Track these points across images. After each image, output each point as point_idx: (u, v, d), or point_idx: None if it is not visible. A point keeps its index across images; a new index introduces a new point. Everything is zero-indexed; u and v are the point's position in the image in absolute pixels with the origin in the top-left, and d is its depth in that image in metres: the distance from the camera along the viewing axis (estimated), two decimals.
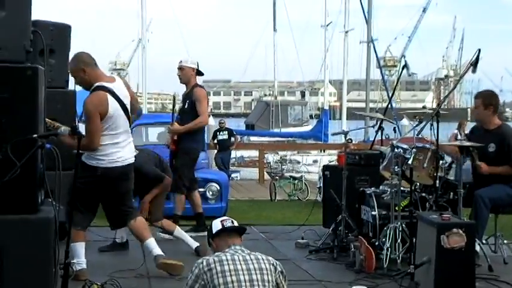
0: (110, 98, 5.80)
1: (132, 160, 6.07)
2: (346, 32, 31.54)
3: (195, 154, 8.37)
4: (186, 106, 8.24)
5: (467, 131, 8.44)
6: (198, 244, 7.05)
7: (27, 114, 4.65)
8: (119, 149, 5.93)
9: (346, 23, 31.63)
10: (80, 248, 6.00)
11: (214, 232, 4.30)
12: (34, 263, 4.59)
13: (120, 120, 5.90)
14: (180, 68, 8.28)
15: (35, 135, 4.56)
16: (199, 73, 8.41)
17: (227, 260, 4.05)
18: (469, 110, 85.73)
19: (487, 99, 7.20)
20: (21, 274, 4.57)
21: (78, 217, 5.88)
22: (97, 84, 5.85)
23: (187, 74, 8.26)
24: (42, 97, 4.86)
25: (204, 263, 4.03)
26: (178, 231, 7.21)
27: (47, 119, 5.74)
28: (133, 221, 6.17)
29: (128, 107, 6.02)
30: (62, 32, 7.40)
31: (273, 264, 4.13)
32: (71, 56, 7.62)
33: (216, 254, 4.14)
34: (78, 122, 6.06)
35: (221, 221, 4.35)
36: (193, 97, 8.14)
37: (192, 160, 8.34)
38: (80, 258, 5.99)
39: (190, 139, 8.20)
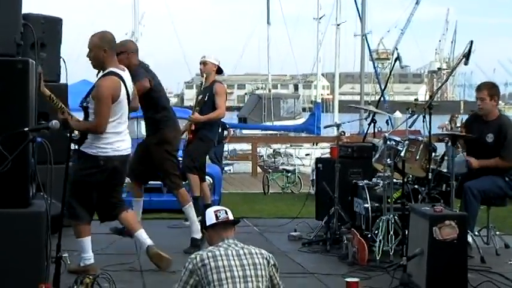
0: (122, 86, 5.80)
1: (129, 152, 6.06)
2: (338, 25, 31.49)
3: (210, 144, 8.40)
4: (206, 99, 8.24)
5: (458, 124, 8.45)
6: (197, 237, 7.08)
7: (18, 107, 4.65)
8: (121, 138, 5.91)
9: (338, 16, 31.60)
10: (87, 242, 5.96)
11: (207, 224, 4.29)
12: (26, 256, 4.58)
13: (125, 109, 5.90)
14: (204, 63, 8.26)
15: (26, 129, 4.54)
16: (220, 71, 8.46)
17: (221, 255, 4.05)
18: (461, 102, 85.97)
19: (492, 90, 7.18)
20: (12, 268, 4.56)
21: (82, 211, 5.89)
22: (111, 69, 5.83)
23: (210, 69, 8.24)
24: (34, 90, 4.85)
25: (198, 259, 4.02)
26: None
27: (53, 96, 5.75)
28: (124, 213, 6.15)
29: (131, 98, 6.02)
30: (53, 25, 7.38)
31: (266, 258, 4.13)
32: (63, 48, 7.65)
33: (209, 248, 4.14)
34: (80, 105, 5.99)
35: (215, 212, 4.33)
36: (213, 90, 8.15)
37: (206, 147, 8.35)
38: (88, 253, 5.95)
39: (208, 129, 8.22)
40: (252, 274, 4.01)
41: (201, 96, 8.19)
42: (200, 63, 8.30)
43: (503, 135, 7.01)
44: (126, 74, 5.95)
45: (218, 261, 4.01)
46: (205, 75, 8.27)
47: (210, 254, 4.04)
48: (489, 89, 7.19)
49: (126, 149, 6.00)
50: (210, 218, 4.33)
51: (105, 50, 5.83)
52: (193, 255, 4.07)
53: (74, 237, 5.99)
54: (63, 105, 5.85)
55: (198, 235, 7.09)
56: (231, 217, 4.32)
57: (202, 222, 4.41)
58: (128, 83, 5.95)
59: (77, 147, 5.87)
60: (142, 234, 6.20)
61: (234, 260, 4.04)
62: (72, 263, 5.58)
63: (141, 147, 7.39)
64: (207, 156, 9.22)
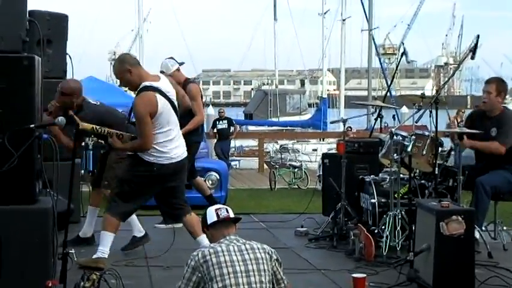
0: (159, 97, 5.75)
1: (185, 155, 6.06)
2: (344, 20, 31.40)
3: (196, 146, 8.37)
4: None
5: (463, 119, 8.42)
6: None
7: (24, 104, 4.65)
8: (174, 145, 5.91)
9: (343, 11, 31.51)
10: (109, 238, 5.98)
11: (209, 223, 4.28)
12: (32, 253, 4.59)
13: (170, 116, 5.87)
14: (170, 76, 8.12)
15: (32, 125, 4.55)
16: (180, 64, 8.31)
17: (222, 251, 4.05)
18: (468, 97, 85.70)
19: (501, 86, 7.13)
20: (19, 264, 4.57)
21: (120, 207, 5.92)
22: (144, 84, 5.78)
23: (177, 77, 8.01)
24: (39, 87, 4.85)
25: (200, 255, 4.02)
26: None
27: (94, 126, 5.75)
28: (187, 215, 6.15)
29: (175, 103, 5.98)
30: (59, 21, 7.39)
31: (268, 253, 4.12)
32: (69, 44, 7.65)
33: (211, 245, 4.13)
34: (129, 122, 6.04)
35: (216, 210, 4.33)
36: (188, 94, 8.03)
37: (194, 151, 8.30)
38: (106, 248, 5.97)
39: (190, 133, 8.16)
40: (255, 268, 4.01)
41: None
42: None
43: (504, 123, 6.96)
44: (161, 82, 5.88)
45: (220, 257, 4.01)
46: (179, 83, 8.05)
47: (211, 250, 4.04)
48: (498, 84, 7.14)
49: (182, 154, 6.00)
50: (211, 216, 4.32)
51: (129, 71, 5.80)
52: (195, 252, 4.07)
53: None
54: (109, 130, 5.86)
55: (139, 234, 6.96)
56: (231, 215, 4.32)
57: (204, 221, 4.40)
58: (166, 89, 5.87)
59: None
60: (203, 241, 5.92)
61: (235, 255, 4.04)
62: (79, 259, 5.59)
63: (105, 156, 7.13)
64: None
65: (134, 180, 5.84)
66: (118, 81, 6.08)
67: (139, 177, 5.87)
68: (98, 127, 5.83)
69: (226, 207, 4.38)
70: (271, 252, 4.15)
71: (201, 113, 8.23)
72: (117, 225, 6.00)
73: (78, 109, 6.55)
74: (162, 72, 7.92)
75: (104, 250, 5.97)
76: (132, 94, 7.06)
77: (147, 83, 5.78)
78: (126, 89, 6.09)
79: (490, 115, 7.14)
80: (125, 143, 5.85)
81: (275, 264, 4.13)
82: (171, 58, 8.25)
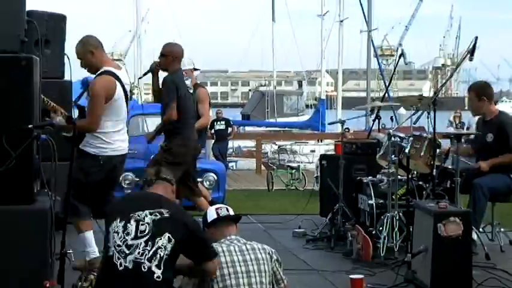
0: (118, 84, 5.77)
1: (127, 150, 6.06)
2: (341, 21, 31.39)
3: (198, 150, 8.38)
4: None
5: (463, 121, 8.44)
6: None
7: (22, 104, 4.64)
8: (119, 137, 5.89)
9: (341, 13, 31.49)
10: (89, 236, 5.92)
11: (209, 221, 4.29)
12: (30, 253, 4.58)
13: (122, 108, 5.88)
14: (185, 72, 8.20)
15: (30, 126, 4.54)
16: (195, 69, 8.43)
17: (223, 251, 4.05)
18: (465, 99, 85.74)
19: (480, 91, 7.21)
20: (17, 265, 4.56)
21: (83, 208, 5.85)
22: (106, 68, 5.80)
23: (189, 75, 8.16)
24: (37, 87, 4.84)
25: None
26: None
27: (44, 97, 5.72)
28: None
29: (128, 97, 6.00)
30: (57, 22, 7.36)
31: (269, 253, 4.13)
32: (67, 45, 7.64)
33: (213, 245, 4.14)
34: (75, 105, 5.98)
35: (216, 209, 4.34)
36: (196, 98, 8.11)
37: (194, 159, 8.30)
38: (92, 247, 5.91)
39: None
40: (255, 269, 4.02)
41: None
42: None
43: (504, 133, 6.99)
44: (121, 72, 5.92)
45: (220, 258, 4.01)
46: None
47: None
48: (476, 90, 7.24)
49: (125, 148, 6.00)
50: (211, 215, 4.33)
51: (92, 52, 5.82)
52: None
53: (78, 234, 5.99)
54: (54, 105, 5.82)
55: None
56: (232, 214, 4.33)
57: (204, 220, 4.40)
58: (125, 80, 5.91)
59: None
60: None
61: (236, 255, 4.04)
62: (76, 260, 5.58)
63: None
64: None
65: (85, 177, 5.73)
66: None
67: (87, 174, 5.76)
68: (45, 98, 5.73)
69: (227, 206, 4.40)
70: (272, 252, 4.15)
71: (206, 117, 8.29)
72: (89, 223, 5.92)
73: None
74: None
75: (91, 250, 5.90)
76: None
77: (110, 68, 5.80)
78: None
79: (485, 119, 7.19)
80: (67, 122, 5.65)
81: (275, 264, 4.14)
82: (191, 59, 8.42)
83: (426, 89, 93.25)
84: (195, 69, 8.54)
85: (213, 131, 18.65)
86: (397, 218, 6.69)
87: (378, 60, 29.90)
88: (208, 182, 9.99)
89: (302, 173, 15.49)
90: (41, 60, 5.11)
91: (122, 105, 5.88)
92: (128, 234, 3.83)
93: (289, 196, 12.69)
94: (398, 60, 8.67)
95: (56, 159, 4.53)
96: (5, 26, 4.74)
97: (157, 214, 3.87)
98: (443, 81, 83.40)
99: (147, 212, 3.88)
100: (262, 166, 18.95)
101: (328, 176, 8.16)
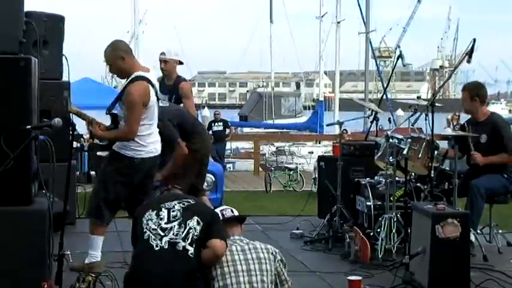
0: (151, 89, 5.73)
1: (159, 152, 6.01)
2: (338, 22, 31.39)
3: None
4: (173, 101, 8.04)
5: (461, 122, 8.45)
6: None
7: (20, 105, 4.64)
8: (153, 139, 5.87)
9: (338, 14, 31.48)
10: (99, 241, 5.91)
11: None
12: (28, 254, 4.58)
13: (155, 110, 5.86)
14: (164, 61, 7.97)
15: (28, 127, 4.54)
16: (180, 63, 8.23)
17: (224, 251, 4.06)
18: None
19: (473, 91, 7.20)
20: (15, 265, 4.56)
21: (107, 213, 5.85)
22: (137, 74, 5.71)
23: (172, 67, 7.99)
24: (36, 88, 4.84)
25: None
26: None
27: (79, 110, 5.72)
28: None
29: (158, 98, 5.98)
30: (55, 23, 7.39)
31: (272, 253, 4.14)
32: (65, 46, 7.64)
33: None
34: (107, 113, 5.94)
35: (221, 211, 4.37)
36: (179, 92, 7.98)
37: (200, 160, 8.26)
38: (96, 251, 5.89)
39: None
40: (256, 268, 4.02)
41: (167, 96, 7.98)
42: (160, 62, 7.98)
43: (498, 134, 6.99)
44: (151, 74, 5.86)
45: (221, 257, 4.02)
46: (168, 74, 7.98)
47: None
48: (470, 90, 7.24)
49: (158, 150, 5.96)
50: None
51: (122, 58, 5.71)
52: None
53: (76, 235, 5.99)
54: (90, 117, 5.80)
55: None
56: (236, 214, 4.34)
57: None
58: (154, 82, 5.86)
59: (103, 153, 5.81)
60: None
61: (238, 254, 4.06)
62: (74, 261, 5.57)
63: None
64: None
65: (120, 179, 5.74)
66: (108, 68, 5.93)
67: (123, 175, 5.77)
68: (81, 112, 5.77)
69: (232, 208, 4.42)
70: (276, 252, 4.16)
71: (193, 110, 8.13)
72: (104, 229, 5.94)
73: None
74: (162, 53, 7.93)
75: (95, 254, 5.90)
76: None
77: (141, 73, 5.73)
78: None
79: (477, 120, 7.18)
80: (105, 132, 5.73)
81: (279, 264, 4.15)
82: (177, 52, 8.21)
83: (424, 90, 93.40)
84: (180, 63, 8.24)
85: (211, 132, 18.67)
86: (395, 219, 6.68)
87: (376, 62, 29.97)
88: (206, 183, 9.98)
89: (300, 174, 15.48)
90: (39, 61, 5.12)
91: (155, 108, 5.85)
92: (161, 219, 4.35)
93: (287, 197, 12.68)
94: (396, 61, 8.67)
95: (54, 160, 4.53)
96: (4, 26, 4.74)
97: (185, 203, 4.46)
98: (441, 83, 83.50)
99: (175, 201, 4.47)
100: (260, 167, 18.94)
101: (326, 178, 8.16)
